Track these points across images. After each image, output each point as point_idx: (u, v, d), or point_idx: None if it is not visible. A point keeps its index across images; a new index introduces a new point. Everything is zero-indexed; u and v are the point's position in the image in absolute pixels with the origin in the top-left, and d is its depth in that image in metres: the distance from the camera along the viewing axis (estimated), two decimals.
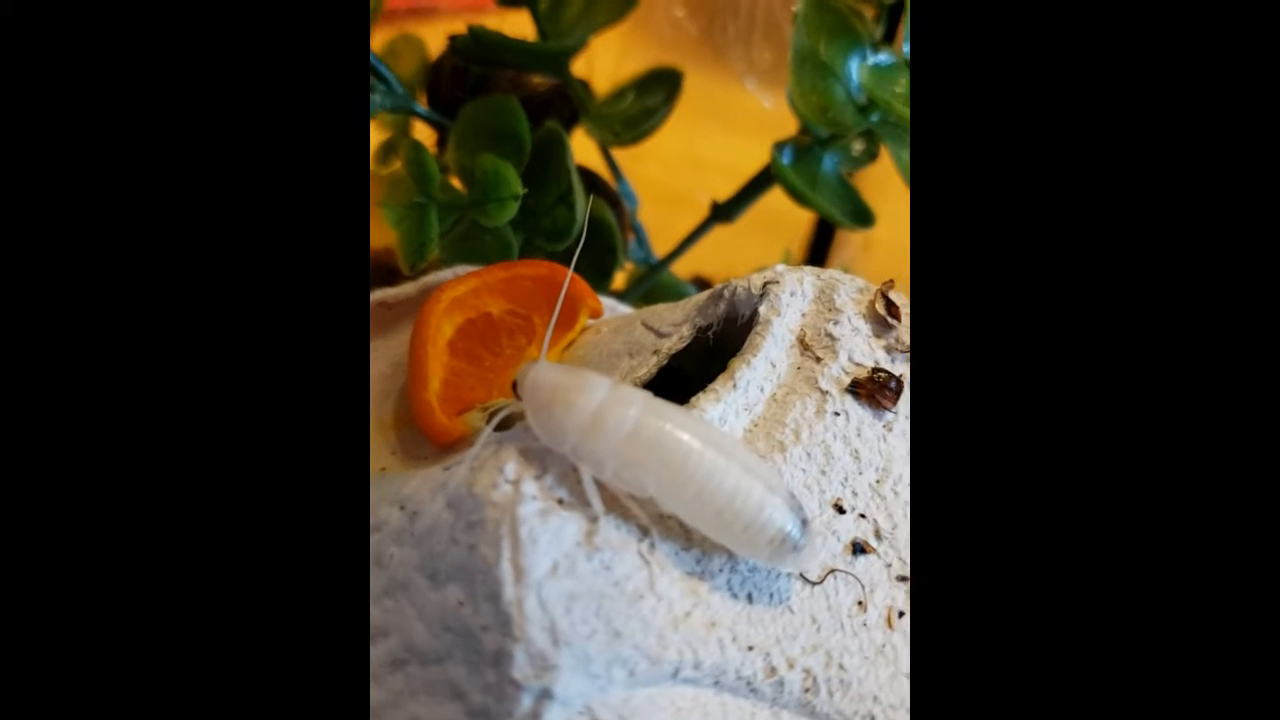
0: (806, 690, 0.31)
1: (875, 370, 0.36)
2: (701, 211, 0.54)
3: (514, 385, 0.32)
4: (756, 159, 0.51)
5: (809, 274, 0.38)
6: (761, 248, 0.62)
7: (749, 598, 0.31)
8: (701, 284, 0.60)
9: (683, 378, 0.40)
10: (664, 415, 0.31)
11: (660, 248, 0.57)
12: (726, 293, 0.38)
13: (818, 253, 0.65)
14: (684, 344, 0.39)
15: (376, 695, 0.31)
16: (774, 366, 0.36)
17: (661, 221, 0.59)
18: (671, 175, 0.69)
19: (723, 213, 0.51)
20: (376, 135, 0.51)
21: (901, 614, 0.33)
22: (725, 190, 0.54)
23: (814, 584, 0.33)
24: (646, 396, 0.31)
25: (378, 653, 0.31)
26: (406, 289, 0.44)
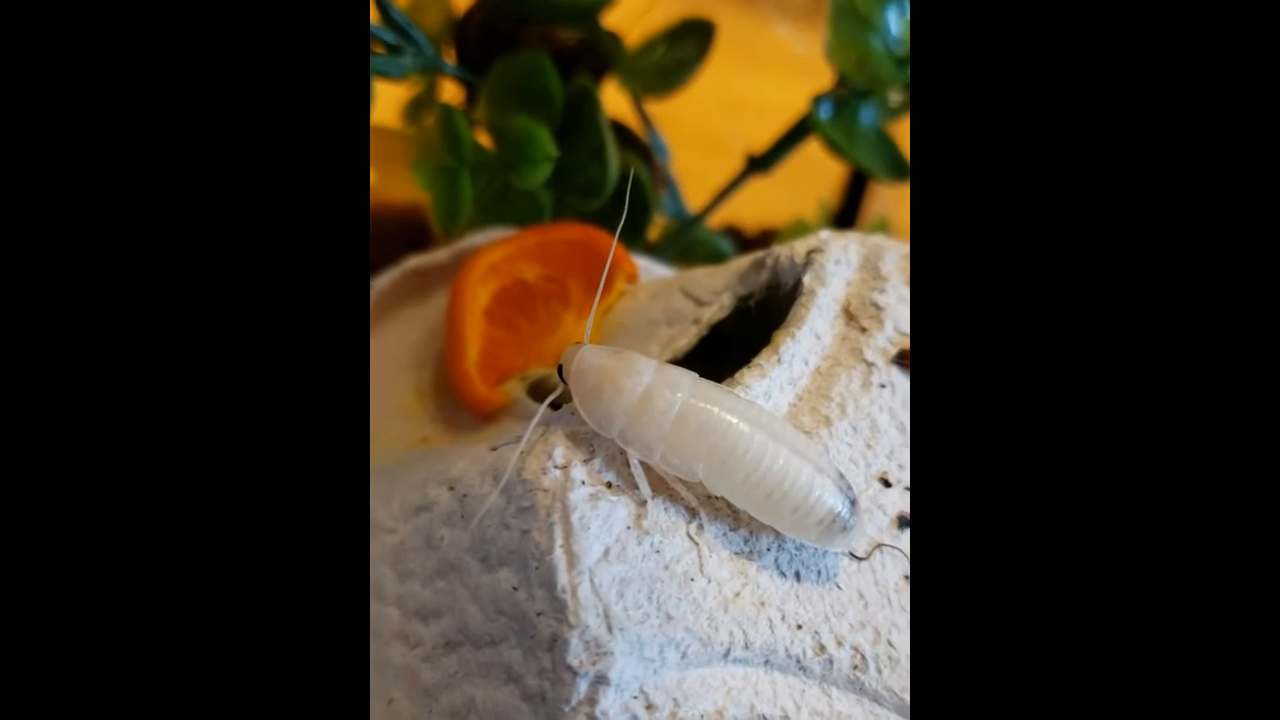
0: (855, 668, 0.31)
1: None
2: (734, 155, 0.53)
3: (559, 370, 0.31)
4: (790, 101, 0.49)
5: (854, 240, 0.38)
6: (795, 197, 0.61)
7: (797, 576, 0.32)
8: (735, 234, 0.59)
9: (723, 339, 0.39)
10: (711, 398, 0.30)
11: (693, 194, 0.56)
12: (769, 261, 0.38)
13: (852, 202, 0.64)
14: (725, 313, 0.38)
15: (431, 676, 0.31)
16: (818, 338, 0.36)
17: (694, 166, 0.58)
18: (704, 118, 0.67)
19: (759, 165, 0.51)
20: (404, 93, 0.50)
21: None
22: (758, 133, 0.53)
23: (861, 559, 0.33)
24: (693, 379, 0.31)
25: (431, 633, 0.32)
26: (440, 255, 0.44)
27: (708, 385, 0.31)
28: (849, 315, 0.36)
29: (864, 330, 0.36)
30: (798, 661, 0.31)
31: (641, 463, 0.31)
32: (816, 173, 0.60)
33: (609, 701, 0.28)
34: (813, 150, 0.50)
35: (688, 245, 0.53)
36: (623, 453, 0.31)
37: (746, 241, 0.59)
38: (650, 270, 0.46)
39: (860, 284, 0.37)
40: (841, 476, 0.31)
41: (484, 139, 0.46)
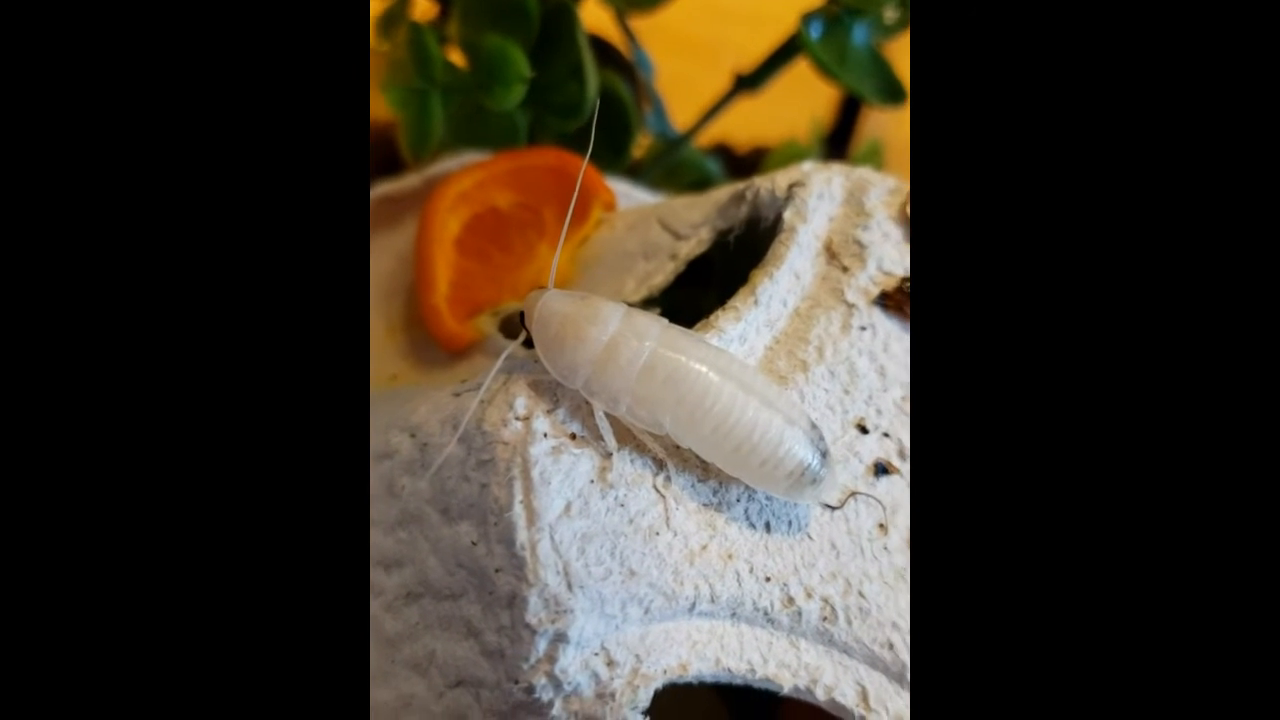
0: (824, 619, 0.30)
1: (905, 280, 0.34)
2: (725, 67, 0.50)
3: (521, 317, 0.30)
4: (785, 9, 0.47)
5: (838, 174, 0.36)
6: (790, 113, 0.59)
7: (767, 527, 0.31)
8: (725, 153, 0.57)
9: (705, 264, 0.38)
10: (680, 347, 0.29)
11: (681, 106, 0.53)
12: (749, 194, 0.36)
13: (847, 119, 0.62)
14: (703, 249, 0.37)
15: (392, 626, 0.31)
16: (798, 278, 0.34)
17: (682, 76, 0.56)
18: (691, 23, 0.64)
19: (747, 83, 0.48)
20: (376, 6, 0.48)
21: None
22: (751, 43, 0.50)
23: (834, 509, 0.32)
24: (662, 326, 0.30)
25: (392, 583, 0.31)
26: (410, 181, 0.42)
27: (677, 333, 0.30)
28: (830, 253, 0.35)
29: (845, 269, 0.34)
30: (765, 614, 0.30)
31: (607, 414, 0.29)
32: (812, 88, 0.57)
33: (568, 659, 0.28)
34: (807, 67, 0.47)
35: (674, 165, 0.51)
36: (588, 402, 0.30)
37: (737, 160, 0.57)
38: (630, 196, 0.44)
39: (843, 220, 0.35)
40: (814, 427, 0.30)
41: (458, 57, 0.44)
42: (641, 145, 0.51)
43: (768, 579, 0.30)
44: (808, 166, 0.36)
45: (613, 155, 0.46)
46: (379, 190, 0.42)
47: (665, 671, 0.29)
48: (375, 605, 0.31)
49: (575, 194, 0.32)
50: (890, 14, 0.43)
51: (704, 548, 0.30)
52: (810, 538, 0.31)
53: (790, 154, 0.54)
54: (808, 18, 0.43)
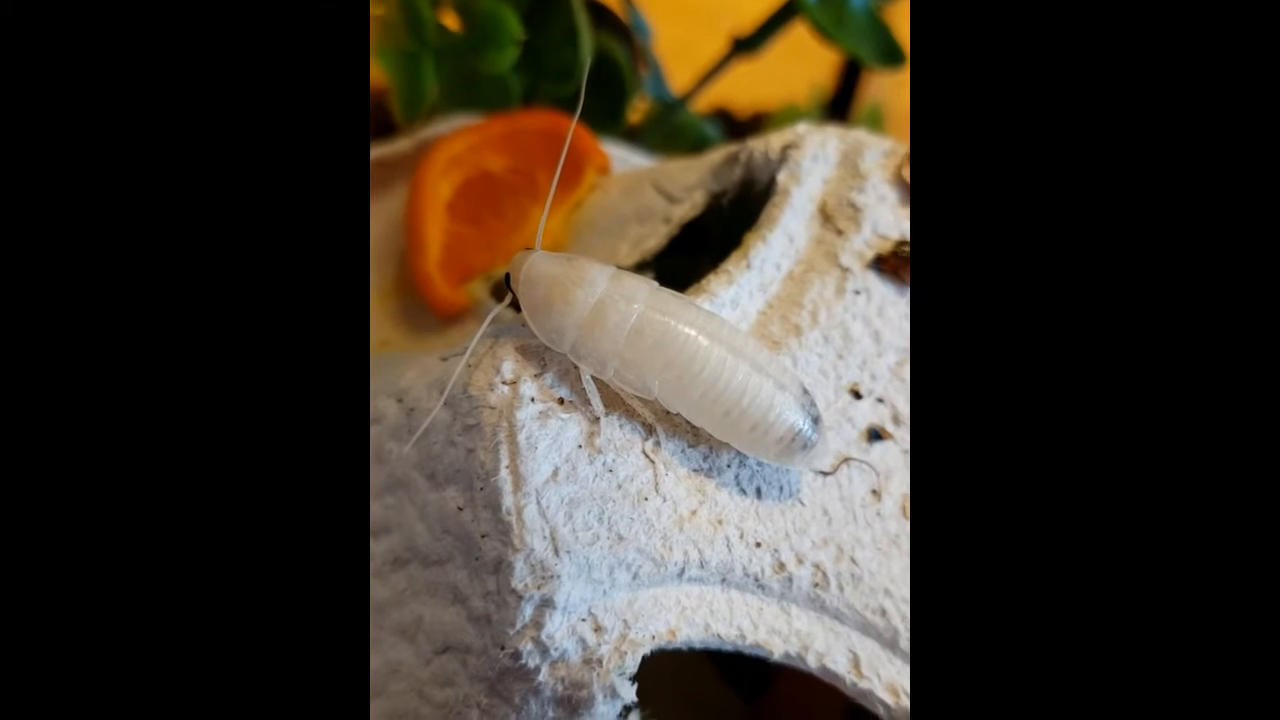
0: (816, 585, 0.30)
1: (900, 243, 0.34)
2: (722, 30, 0.49)
3: (507, 279, 0.30)
4: None
5: (833, 136, 0.35)
6: (792, 77, 0.58)
7: (758, 492, 0.30)
8: (725, 117, 0.56)
9: (701, 229, 0.37)
10: (669, 310, 0.29)
11: (679, 72, 0.53)
12: (742, 156, 0.35)
13: (848, 84, 0.61)
14: (697, 212, 0.36)
15: (380, 592, 0.31)
16: (792, 241, 0.34)
17: (682, 42, 0.55)
18: None
19: (745, 46, 0.47)
20: None
21: None
22: (746, 4, 0.49)
23: (826, 474, 0.31)
24: (651, 289, 0.29)
25: (380, 549, 0.31)
26: (402, 145, 0.42)
27: (666, 295, 0.29)
28: (825, 216, 0.34)
29: (840, 232, 0.34)
30: (756, 580, 0.30)
31: (595, 378, 0.29)
32: (814, 52, 0.56)
33: (555, 625, 0.27)
34: (807, 30, 0.47)
35: (672, 129, 0.50)
36: (576, 366, 0.29)
37: (737, 125, 0.57)
38: (627, 160, 0.43)
39: (838, 182, 0.35)
40: (805, 392, 0.29)
41: (451, 20, 0.43)
42: (639, 109, 0.50)
43: (758, 545, 0.30)
44: (802, 128, 0.35)
45: (608, 118, 0.46)
46: (371, 155, 0.41)
47: (654, 637, 0.28)
48: None
49: (564, 154, 0.32)
50: None
51: (693, 513, 0.29)
52: (802, 504, 0.31)
53: (790, 118, 0.53)
54: None
